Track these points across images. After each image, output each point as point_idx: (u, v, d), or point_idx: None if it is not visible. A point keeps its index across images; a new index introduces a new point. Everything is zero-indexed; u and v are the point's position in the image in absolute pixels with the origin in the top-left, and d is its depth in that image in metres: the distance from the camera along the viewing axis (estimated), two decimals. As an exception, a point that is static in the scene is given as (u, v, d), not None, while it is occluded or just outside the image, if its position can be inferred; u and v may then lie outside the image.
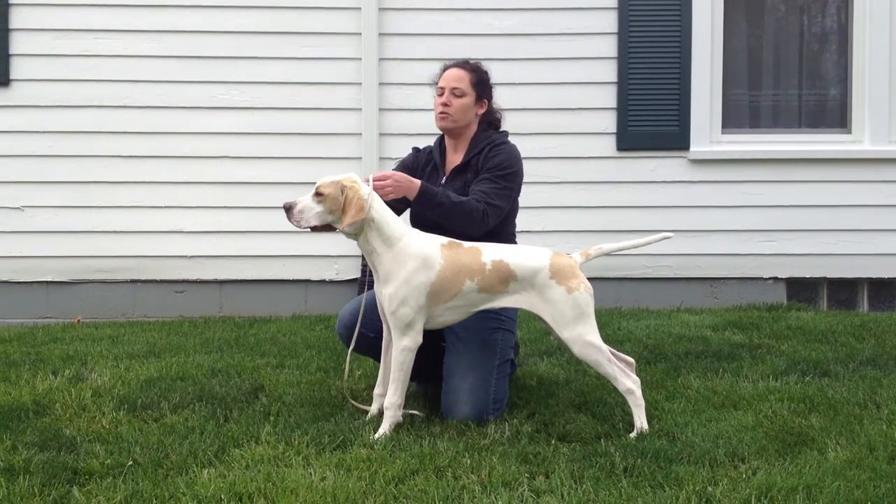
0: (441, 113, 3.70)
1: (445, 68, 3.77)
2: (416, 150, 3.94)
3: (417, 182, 3.41)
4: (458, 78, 3.70)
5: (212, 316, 5.94)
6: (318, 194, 3.23)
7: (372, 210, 3.26)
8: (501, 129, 3.84)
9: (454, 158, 3.79)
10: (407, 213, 3.78)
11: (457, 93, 3.68)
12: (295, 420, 3.38)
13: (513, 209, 3.79)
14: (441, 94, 3.71)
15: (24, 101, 5.96)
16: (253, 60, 6.03)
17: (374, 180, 3.33)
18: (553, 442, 3.14)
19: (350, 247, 3.39)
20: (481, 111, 3.76)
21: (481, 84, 3.73)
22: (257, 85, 6.04)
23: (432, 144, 3.90)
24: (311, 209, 3.24)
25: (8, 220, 5.97)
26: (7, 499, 2.62)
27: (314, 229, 3.29)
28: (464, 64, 3.76)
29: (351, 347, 3.59)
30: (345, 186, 3.23)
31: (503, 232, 3.73)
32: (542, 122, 6.04)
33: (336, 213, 3.24)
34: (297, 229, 3.30)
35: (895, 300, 6.22)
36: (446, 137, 3.83)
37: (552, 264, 3.32)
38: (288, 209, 3.25)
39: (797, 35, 6.38)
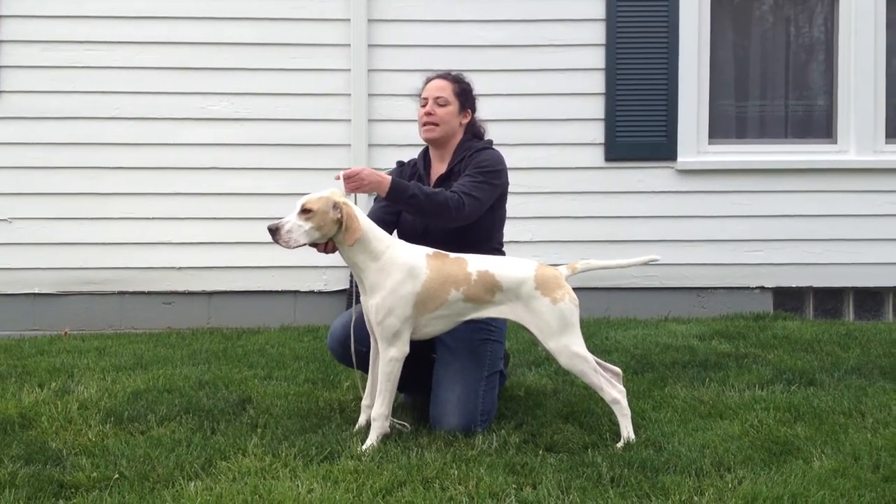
0: (426, 124, 3.72)
1: (428, 80, 3.80)
2: (400, 163, 3.95)
3: (388, 177, 3.37)
4: (441, 88, 3.72)
5: (200, 327, 5.92)
6: (305, 211, 3.18)
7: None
8: (486, 139, 3.85)
9: (439, 168, 3.81)
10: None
11: (440, 101, 3.70)
12: (282, 432, 3.38)
13: (499, 218, 3.80)
14: (425, 105, 3.73)
15: (13, 113, 5.94)
16: (242, 71, 6.04)
17: (344, 178, 3.29)
18: (540, 452, 3.15)
19: (338, 258, 3.38)
20: (465, 121, 3.78)
21: (464, 94, 3.76)
22: (247, 96, 6.05)
23: (417, 157, 3.92)
24: (299, 228, 3.17)
25: (-5, 232, 5.97)
26: (-8, 512, 2.62)
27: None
28: (446, 75, 3.79)
29: (356, 366, 3.60)
30: (337, 202, 3.20)
31: (490, 241, 3.74)
32: (530, 133, 6.07)
33: (324, 229, 3.22)
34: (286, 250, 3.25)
35: (881, 309, 6.27)
36: (431, 149, 3.85)
37: (537, 275, 3.33)
38: (274, 231, 3.16)
39: (783, 46, 6.43)
